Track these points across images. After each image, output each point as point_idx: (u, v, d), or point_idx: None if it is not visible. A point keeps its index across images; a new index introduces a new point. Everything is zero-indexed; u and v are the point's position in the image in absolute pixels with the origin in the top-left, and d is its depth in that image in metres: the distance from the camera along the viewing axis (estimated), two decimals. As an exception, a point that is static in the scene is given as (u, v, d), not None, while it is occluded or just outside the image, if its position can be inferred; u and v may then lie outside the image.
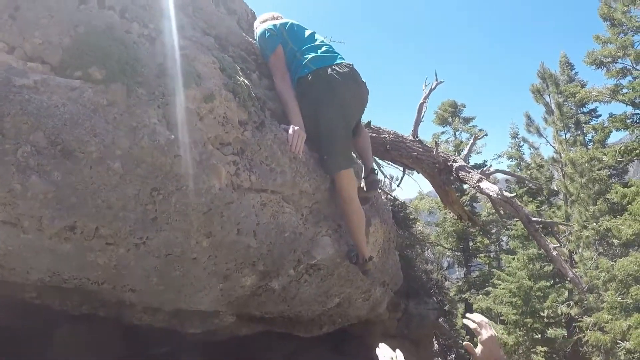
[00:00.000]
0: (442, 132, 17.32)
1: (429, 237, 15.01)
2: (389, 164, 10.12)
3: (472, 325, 1.84)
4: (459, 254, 15.72)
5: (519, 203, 6.45)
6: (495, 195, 6.32)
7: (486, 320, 1.86)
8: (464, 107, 17.22)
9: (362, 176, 3.18)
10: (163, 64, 1.77)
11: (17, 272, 1.64)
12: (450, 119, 16.97)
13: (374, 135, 7.77)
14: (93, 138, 1.50)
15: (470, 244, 15.83)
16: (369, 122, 8.05)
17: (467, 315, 1.93)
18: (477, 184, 6.57)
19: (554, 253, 5.70)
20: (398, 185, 10.31)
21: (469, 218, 7.57)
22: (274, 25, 2.82)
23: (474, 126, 16.79)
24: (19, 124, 1.38)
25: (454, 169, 7.10)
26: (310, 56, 2.72)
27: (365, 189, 3.12)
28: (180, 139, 1.76)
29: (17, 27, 1.42)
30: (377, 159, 10.09)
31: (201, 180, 1.86)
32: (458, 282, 15.27)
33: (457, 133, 16.72)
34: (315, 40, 2.88)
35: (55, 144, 1.45)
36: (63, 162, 1.47)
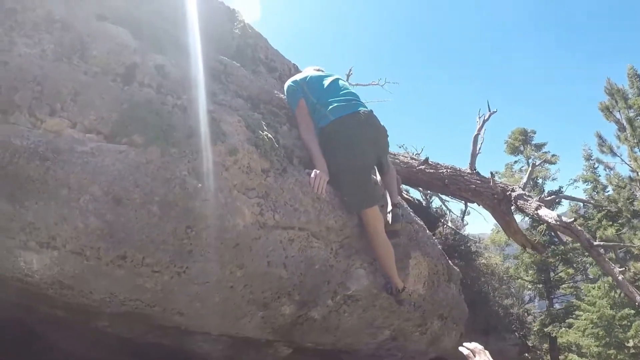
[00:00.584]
0: (515, 162, 16.95)
1: (508, 271, 14.48)
2: (451, 199, 10.14)
3: (465, 352, 1.97)
4: (540, 286, 14.95)
5: (579, 227, 6.29)
6: (553, 222, 6.25)
7: (481, 347, 1.98)
8: (534, 133, 16.81)
9: (387, 210, 3.42)
10: (193, 127, 2.22)
11: (82, 293, 2.11)
12: (521, 147, 16.58)
13: (432, 171, 7.94)
14: (136, 188, 1.96)
15: (552, 274, 15.03)
16: (427, 159, 8.25)
17: (464, 343, 2.07)
18: (536, 211, 6.53)
19: (620, 277, 5.48)
20: (462, 219, 10.23)
21: (533, 247, 7.43)
22: (295, 81, 3.23)
23: (546, 152, 16.25)
24: (80, 180, 1.86)
25: (512, 199, 7.08)
26: (329, 107, 3.06)
27: (390, 222, 3.36)
28: (208, 186, 2.18)
29: (78, 108, 1.94)
30: (439, 194, 10.14)
31: (226, 219, 2.26)
32: (541, 315, 14.45)
33: (529, 161, 16.23)
34: (336, 89, 3.21)
35: (107, 194, 1.92)
36: (114, 207, 1.94)
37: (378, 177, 3.68)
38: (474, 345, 2.03)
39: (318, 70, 3.65)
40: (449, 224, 9.29)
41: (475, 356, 1.96)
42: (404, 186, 8.38)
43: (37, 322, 3.41)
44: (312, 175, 2.84)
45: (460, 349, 2.05)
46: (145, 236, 2.02)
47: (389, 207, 3.43)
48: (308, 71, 3.45)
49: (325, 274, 3.05)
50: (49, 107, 1.88)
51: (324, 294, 3.16)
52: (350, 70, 10.77)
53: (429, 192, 9.93)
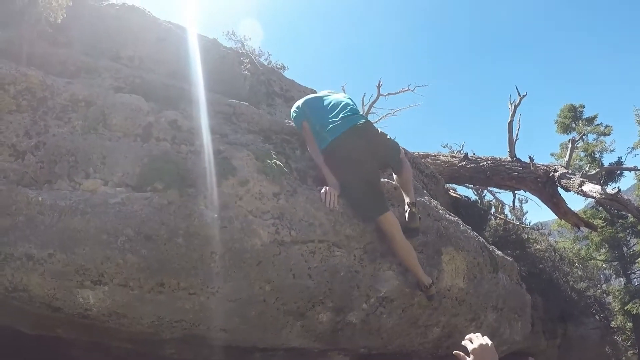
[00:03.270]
0: (569, 140, 16.27)
1: (579, 253, 13.97)
2: (499, 190, 10.01)
3: (464, 342, 2.05)
4: (615, 263, 14.24)
5: (626, 198, 6.14)
6: (599, 196, 6.17)
7: (477, 334, 2.05)
8: (584, 107, 16.14)
9: (405, 210, 3.62)
10: (206, 167, 2.60)
11: (135, 320, 2.52)
12: (572, 124, 15.96)
13: (472, 165, 8.00)
14: (162, 226, 2.36)
15: (625, 250, 14.29)
16: (466, 154, 8.31)
17: (468, 335, 2.13)
18: (580, 188, 6.48)
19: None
20: (512, 209, 10.08)
21: (587, 224, 7.27)
22: (298, 107, 3.55)
23: (598, 125, 15.53)
24: (115, 225, 2.29)
25: (556, 179, 7.02)
26: (327, 129, 3.31)
27: (407, 220, 3.54)
28: (224, 216, 2.53)
29: (107, 168, 2.38)
30: (487, 187, 10.02)
31: (245, 241, 2.61)
32: (620, 294, 13.67)
33: (583, 137, 15.57)
34: (333, 109, 3.44)
35: (139, 233, 2.33)
36: (146, 243, 2.35)
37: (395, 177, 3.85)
38: (470, 335, 2.06)
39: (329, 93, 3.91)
40: (501, 215, 9.20)
41: (472, 340, 2.01)
42: (450, 185, 8.43)
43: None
44: (323, 191, 3.13)
45: (464, 342, 2.07)
46: (177, 264, 2.41)
47: (406, 207, 3.60)
48: (309, 95, 3.75)
49: (353, 279, 3.28)
50: (84, 172, 2.35)
51: (356, 298, 3.39)
52: (379, 81, 11.05)
53: (478, 187, 9.90)
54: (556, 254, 10.19)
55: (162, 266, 2.37)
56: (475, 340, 1.93)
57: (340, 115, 3.37)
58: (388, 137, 3.64)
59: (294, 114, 3.56)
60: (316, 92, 4.97)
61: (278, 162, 2.96)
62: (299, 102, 3.62)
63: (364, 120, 3.41)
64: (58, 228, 2.22)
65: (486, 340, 1.93)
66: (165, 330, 2.78)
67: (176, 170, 2.47)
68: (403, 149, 5.86)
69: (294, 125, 3.66)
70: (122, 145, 2.48)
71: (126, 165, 2.42)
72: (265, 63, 9.78)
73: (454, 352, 1.96)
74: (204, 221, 2.44)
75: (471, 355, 1.88)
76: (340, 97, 3.64)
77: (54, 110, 2.52)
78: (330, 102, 3.53)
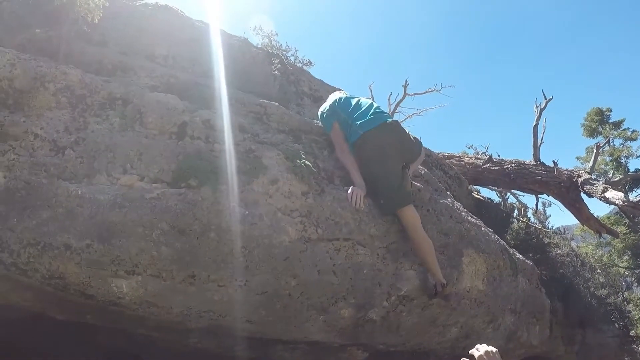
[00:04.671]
0: (595, 145, 15.95)
1: (602, 259, 13.75)
2: (522, 193, 9.90)
3: (476, 354, 2.14)
4: (637, 271, 13.94)
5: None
6: (621, 203, 6.10)
7: (491, 349, 2.14)
8: (611, 111, 15.76)
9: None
10: (238, 166, 2.70)
11: (165, 309, 2.63)
12: (599, 128, 15.64)
13: (497, 168, 7.97)
14: (195, 221, 2.46)
15: (648, 257, 13.98)
16: (491, 156, 8.27)
17: (477, 346, 2.20)
18: (602, 194, 6.42)
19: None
20: (535, 212, 10.00)
21: (608, 231, 7.20)
22: (328, 107, 3.68)
23: (625, 129, 15.18)
24: (151, 219, 2.40)
25: (579, 184, 6.96)
26: (358, 122, 3.45)
27: None
28: (254, 213, 2.62)
29: (144, 164, 2.49)
30: (511, 190, 9.92)
31: (274, 238, 2.69)
32: (640, 302, 13.38)
33: (609, 141, 15.25)
34: (362, 107, 3.60)
35: (174, 227, 2.44)
36: (180, 237, 2.45)
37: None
38: (477, 345, 2.14)
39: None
40: (524, 218, 9.13)
41: (479, 348, 2.05)
42: (473, 186, 8.40)
43: (142, 350, 3.99)
44: (350, 191, 3.21)
45: (472, 351, 2.15)
46: (208, 257, 2.51)
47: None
48: (335, 95, 3.85)
49: (375, 277, 3.36)
50: (121, 168, 2.46)
51: (377, 296, 3.46)
52: (406, 81, 11.07)
53: (501, 189, 9.83)
54: (578, 259, 10.05)
55: (194, 259, 2.47)
56: (481, 348, 2.05)
57: (371, 112, 3.53)
58: (411, 136, 3.79)
59: (324, 115, 3.67)
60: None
61: (307, 162, 3.04)
62: (328, 103, 3.73)
63: (391, 119, 3.60)
64: (96, 220, 2.33)
65: (492, 348, 2.05)
66: (193, 320, 2.88)
67: (210, 168, 2.57)
68: (426, 149, 5.93)
69: (321, 125, 3.74)
70: (158, 142, 2.59)
71: (162, 162, 2.52)
72: (292, 58, 9.87)
73: (462, 359, 2.04)
74: (235, 217, 2.53)
75: None
76: (365, 99, 3.79)
77: (92, 107, 2.64)
78: (358, 101, 3.68)
